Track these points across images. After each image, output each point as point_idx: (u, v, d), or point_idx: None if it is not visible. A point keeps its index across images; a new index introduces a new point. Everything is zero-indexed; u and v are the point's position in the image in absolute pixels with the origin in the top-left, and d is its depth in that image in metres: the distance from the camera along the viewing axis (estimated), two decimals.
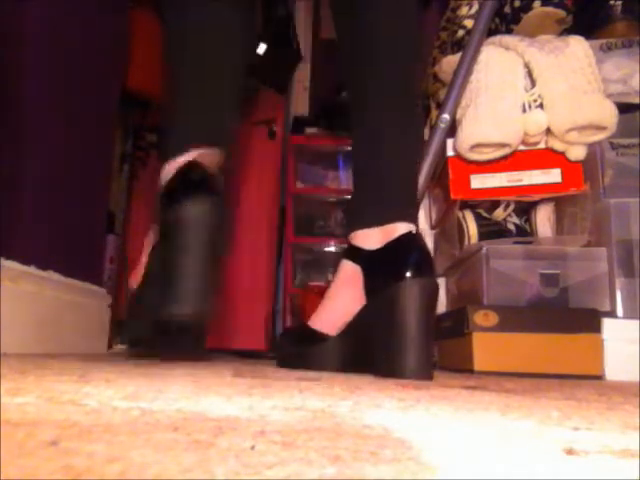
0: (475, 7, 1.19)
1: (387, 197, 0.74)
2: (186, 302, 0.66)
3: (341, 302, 0.75)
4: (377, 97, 0.75)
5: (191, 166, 0.73)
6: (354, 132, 0.78)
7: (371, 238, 0.73)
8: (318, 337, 0.77)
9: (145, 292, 0.75)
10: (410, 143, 0.76)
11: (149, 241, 0.79)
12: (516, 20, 1.22)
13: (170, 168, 0.74)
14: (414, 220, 0.73)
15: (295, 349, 0.80)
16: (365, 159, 0.76)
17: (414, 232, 0.71)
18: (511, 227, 1.22)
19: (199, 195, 0.69)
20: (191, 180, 0.71)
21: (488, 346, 0.98)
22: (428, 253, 0.71)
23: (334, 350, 0.75)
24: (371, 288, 0.72)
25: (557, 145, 1.08)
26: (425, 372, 0.66)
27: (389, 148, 0.74)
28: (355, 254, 0.75)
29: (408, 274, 0.67)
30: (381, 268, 0.71)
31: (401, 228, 0.71)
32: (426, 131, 1.19)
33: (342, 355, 0.75)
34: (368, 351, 0.70)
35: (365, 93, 0.76)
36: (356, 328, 0.73)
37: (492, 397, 0.48)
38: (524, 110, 1.06)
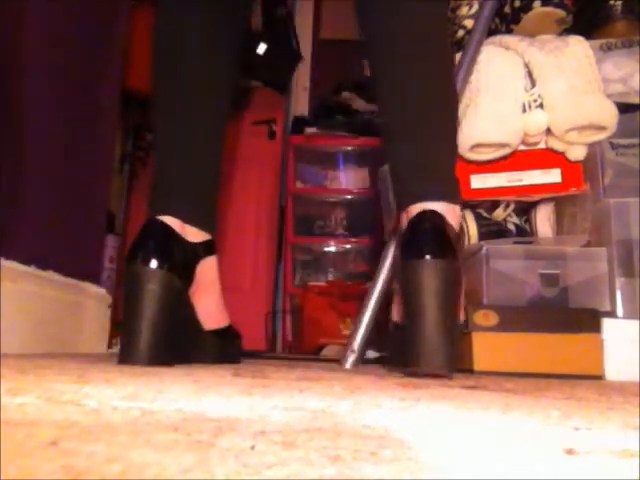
0: (475, 7, 1.19)
1: (404, 180, 0.74)
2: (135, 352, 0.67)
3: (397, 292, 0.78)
4: (406, 93, 0.74)
5: (152, 230, 0.73)
6: (384, 123, 0.78)
7: (402, 222, 0.73)
8: (397, 327, 0.79)
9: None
10: (437, 129, 0.75)
11: None
12: (516, 20, 1.22)
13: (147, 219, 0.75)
14: (439, 198, 0.69)
15: (389, 342, 0.85)
16: (394, 147, 0.76)
17: (428, 211, 0.68)
18: (511, 227, 1.22)
19: (147, 268, 0.69)
20: (147, 249, 0.71)
21: (488, 346, 0.98)
22: (439, 232, 0.67)
23: (394, 340, 0.78)
24: (395, 272, 0.73)
25: (557, 145, 1.08)
26: (439, 364, 0.62)
27: (419, 133, 0.74)
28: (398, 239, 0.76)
29: (414, 255, 0.65)
30: (400, 252, 0.70)
31: (418, 209, 0.69)
32: None
33: (397, 345, 0.76)
34: None
35: (396, 88, 0.75)
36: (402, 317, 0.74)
37: (492, 397, 0.48)
38: (524, 110, 1.06)
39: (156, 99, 0.81)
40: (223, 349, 0.84)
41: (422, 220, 0.68)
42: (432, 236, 0.66)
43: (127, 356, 0.67)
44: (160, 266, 0.69)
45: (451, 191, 0.73)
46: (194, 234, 0.77)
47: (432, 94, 0.75)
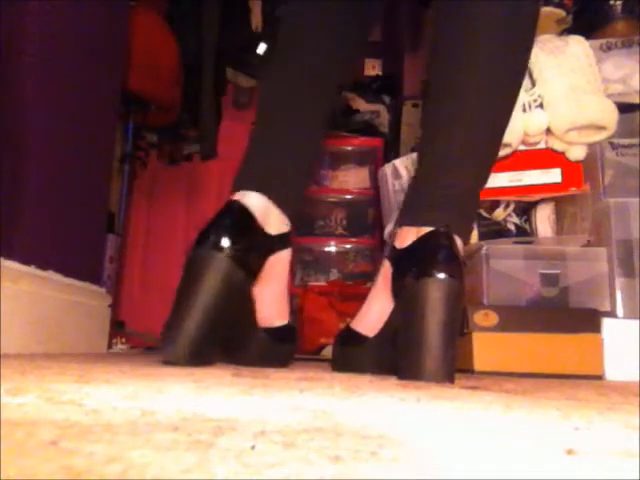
0: None
1: (426, 196, 0.72)
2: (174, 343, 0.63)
3: (377, 302, 0.75)
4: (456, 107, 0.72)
5: (230, 212, 0.68)
6: (429, 122, 0.76)
7: (406, 236, 0.71)
8: (357, 338, 0.76)
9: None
10: (476, 155, 0.73)
11: None
12: None
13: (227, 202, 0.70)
14: (454, 226, 0.69)
15: (340, 350, 0.81)
16: (427, 153, 0.75)
17: (441, 230, 0.68)
18: (511, 227, 1.22)
19: (213, 251, 0.64)
20: (209, 237, 0.66)
21: (488, 346, 0.98)
22: (451, 252, 0.67)
23: (371, 352, 0.74)
24: (395, 287, 0.70)
25: (557, 145, 1.08)
26: (443, 375, 0.63)
27: (454, 158, 0.72)
28: (390, 253, 0.74)
29: (425, 273, 0.65)
30: (403, 267, 0.69)
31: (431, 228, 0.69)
32: None
33: (379, 357, 0.73)
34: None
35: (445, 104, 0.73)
36: (389, 329, 0.72)
37: (492, 397, 0.48)
38: (524, 110, 1.06)
39: (271, 78, 0.79)
40: (273, 349, 0.78)
41: (436, 238, 0.68)
42: (448, 255, 0.67)
43: (167, 353, 0.63)
44: (229, 255, 0.64)
45: (470, 228, 0.75)
46: (275, 223, 0.72)
47: (501, 116, 0.75)
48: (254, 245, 0.69)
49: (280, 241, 0.73)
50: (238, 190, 0.70)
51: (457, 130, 0.72)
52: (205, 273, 0.64)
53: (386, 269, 0.73)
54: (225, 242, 0.65)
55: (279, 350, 0.79)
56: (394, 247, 0.72)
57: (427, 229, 0.68)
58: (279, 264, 0.75)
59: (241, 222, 0.68)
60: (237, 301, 0.69)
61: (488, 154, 0.75)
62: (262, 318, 0.76)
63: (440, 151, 0.73)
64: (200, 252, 0.65)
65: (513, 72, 0.74)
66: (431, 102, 0.76)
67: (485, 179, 0.75)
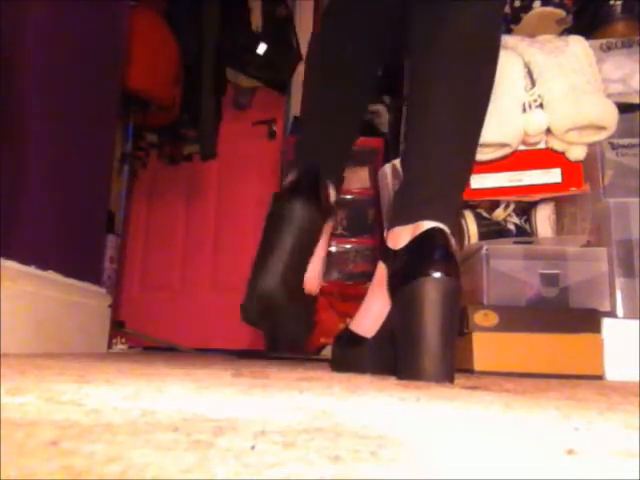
0: None
1: (414, 196, 0.72)
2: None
3: (374, 304, 0.75)
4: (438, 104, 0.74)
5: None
6: (409, 131, 0.78)
7: (398, 238, 0.71)
8: (356, 339, 0.77)
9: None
10: (459, 142, 0.75)
11: None
12: (516, 20, 1.22)
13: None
14: (443, 219, 0.69)
15: (339, 351, 0.82)
16: (410, 160, 0.76)
17: (436, 229, 0.68)
18: (511, 227, 1.22)
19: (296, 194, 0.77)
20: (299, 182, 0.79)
21: (488, 346, 0.98)
22: (447, 251, 0.67)
23: (370, 352, 0.75)
24: (392, 287, 0.71)
25: (557, 145, 1.08)
26: (442, 375, 0.63)
27: (437, 150, 0.73)
28: (384, 254, 0.74)
29: (421, 272, 0.65)
30: (399, 267, 0.70)
31: (426, 227, 0.69)
32: None
33: (378, 357, 0.74)
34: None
35: (427, 99, 0.75)
36: (387, 330, 0.72)
37: (492, 397, 0.48)
38: (524, 110, 1.06)
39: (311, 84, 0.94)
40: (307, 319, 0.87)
41: (433, 237, 0.68)
42: (445, 253, 0.67)
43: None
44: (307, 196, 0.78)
45: (456, 225, 0.77)
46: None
47: (474, 106, 0.76)
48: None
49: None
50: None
51: (443, 124, 0.74)
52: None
53: (381, 270, 0.74)
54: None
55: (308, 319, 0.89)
56: (388, 249, 0.73)
57: (422, 228, 0.68)
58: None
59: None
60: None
61: (470, 151, 0.77)
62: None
63: (429, 149, 0.74)
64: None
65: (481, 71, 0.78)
66: (412, 95, 0.80)
67: (466, 180, 0.79)
